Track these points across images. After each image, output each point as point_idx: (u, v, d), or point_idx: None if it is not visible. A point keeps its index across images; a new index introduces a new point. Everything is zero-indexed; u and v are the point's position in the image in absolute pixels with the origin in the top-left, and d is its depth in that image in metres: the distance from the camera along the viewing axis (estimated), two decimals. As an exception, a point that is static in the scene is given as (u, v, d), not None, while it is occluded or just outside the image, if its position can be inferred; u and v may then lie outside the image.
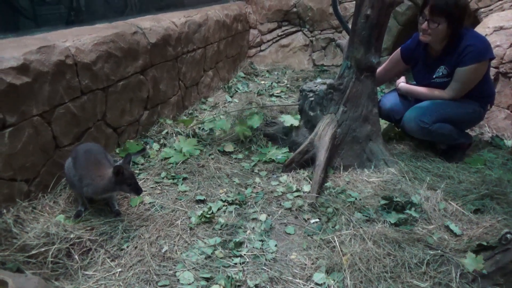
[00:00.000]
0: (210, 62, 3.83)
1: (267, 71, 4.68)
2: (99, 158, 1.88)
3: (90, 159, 1.85)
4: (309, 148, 2.36)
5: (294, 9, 4.76)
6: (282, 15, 4.84)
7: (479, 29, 3.21)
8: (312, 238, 1.79)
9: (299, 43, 4.88)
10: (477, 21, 3.54)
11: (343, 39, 2.74)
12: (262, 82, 4.33)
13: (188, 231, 1.84)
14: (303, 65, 4.83)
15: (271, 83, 4.22)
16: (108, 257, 1.65)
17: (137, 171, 2.33)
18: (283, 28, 4.91)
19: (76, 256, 1.61)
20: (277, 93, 3.93)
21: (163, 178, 2.28)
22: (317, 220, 1.91)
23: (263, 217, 1.93)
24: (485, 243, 1.56)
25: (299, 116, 2.63)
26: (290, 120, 2.60)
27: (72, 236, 1.64)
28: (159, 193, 2.14)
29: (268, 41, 4.95)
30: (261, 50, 5.00)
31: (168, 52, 3.00)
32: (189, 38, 3.34)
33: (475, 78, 2.29)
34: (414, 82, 2.66)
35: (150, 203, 2.03)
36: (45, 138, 1.92)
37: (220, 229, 1.84)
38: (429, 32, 2.28)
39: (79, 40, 2.15)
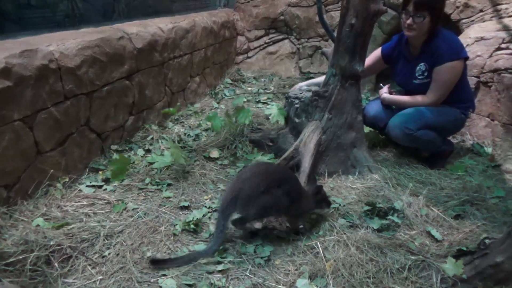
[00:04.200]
0: (197, 68, 3.83)
1: (254, 78, 4.70)
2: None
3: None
4: (294, 155, 2.37)
5: (282, 17, 4.81)
6: (269, 22, 4.88)
7: (461, 39, 3.29)
8: (296, 244, 1.80)
9: (286, 50, 4.92)
10: (459, 32, 3.63)
11: (329, 47, 2.78)
12: (249, 88, 4.34)
13: (172, 237, 1.82)
14: (290, 72, 4.87)
15: (258, 90, 4.24)
16: (89, 265, 1.62)
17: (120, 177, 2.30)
18: (271, 36, 4.95)
19: (56, 264, 1.57)
20: (264, 99, 3.95)
21: (147, 184, 2.26)
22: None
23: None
24: (464, 248, 1.58)
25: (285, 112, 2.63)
26: (276, 114, 2.58)
27: (52, 243, 1.61)
28: (143, 199, 2.12)
29: (255, 48, 4.98)
30: (248, 57, 5.02)
31: (154, 57, 2.99)
32: (176, 44, 3.34)
33: (452, 77, 2.37)
34: (399, 88, 2.72)
35: (133, 209, 2.01)
36: (26, 143, 1.89)
37: (205, 236, 1.83)
38: (414, 27, 2.35)
39: (63, 44, 2.13)
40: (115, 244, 1.74)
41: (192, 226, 1.87)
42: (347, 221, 1.93)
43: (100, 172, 2.29)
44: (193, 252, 1.70)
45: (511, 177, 2.42)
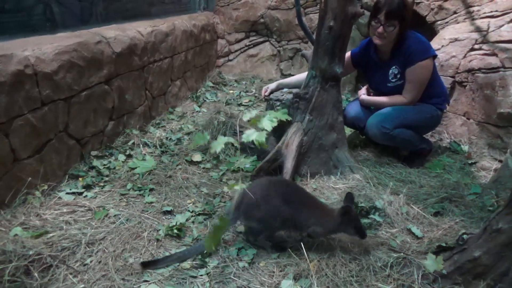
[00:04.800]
0: (178, 72, 3.81)
1: (236, 80, 4.71)
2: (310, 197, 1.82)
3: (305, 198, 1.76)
4: (277, 157, 2.38)
5: (262, 20, 4.83)
6: (249, 25, 4.90)
7: (436, 41, 3.38)
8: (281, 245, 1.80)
9: (267, 53, 4.95)
10: (434, 33, 3.72)
11: (309, 50, 2.80)
12: (231, 91, 4.35)
13: (155, 243, 1.80)
14: (271, 74, 4.89)
15: (240, 93, 4.25)
16: (70, 273, 1.59)
17: (101, 184, 2.27)
18: (251, 38, 4.97)
19: (36, 274, 1.54)
20: (246, 102, 3.96)
21: (129, 189, 2.23)
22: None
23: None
24: (444, 244, 1.62)
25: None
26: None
27: (31, 252, 1.57)
28: (125, 205, 2.09)
29: (236, 51, 4.99)
30: (229, 60, 5.03)
31: (134, 61, 2.96)
32: (156, 48, 3.31)
33: (425, 75, 2.46)
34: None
35: (115, 215, 1.98)
36: (2, 151, 1.84)
37: (189, 240, 1.82)
38: (385, 35, 2.41)
39: (39, 49, 2.09)
40: (97, 252, 1.71)
41: (175, 230, 1.85)
42: (330, 221, 1.95)
43: (80, 179, 2.25)
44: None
45: (487, 173, 2.50)
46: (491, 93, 2.68)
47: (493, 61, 2.75)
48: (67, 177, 2.26)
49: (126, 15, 3.54)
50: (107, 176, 2.36)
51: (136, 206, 2.09)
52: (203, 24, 4.47)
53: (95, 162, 2.42)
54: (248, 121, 2.37)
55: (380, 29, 2.39)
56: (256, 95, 4.18)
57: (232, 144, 2.72)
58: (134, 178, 2.35)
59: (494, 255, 1.41)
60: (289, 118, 2.37)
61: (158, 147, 2.77)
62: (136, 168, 2.43)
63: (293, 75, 4.75)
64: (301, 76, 2.68)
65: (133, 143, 2.75)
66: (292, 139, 2.37)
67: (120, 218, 1.96)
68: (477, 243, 1.46)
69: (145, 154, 2.64)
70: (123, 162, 2.52)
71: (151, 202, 2.12)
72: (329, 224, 1.70)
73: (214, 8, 5.00)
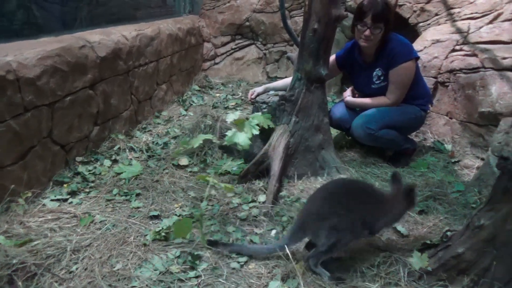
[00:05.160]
0: (164, 76, 3.80)
1: (222, 84, 4.71)
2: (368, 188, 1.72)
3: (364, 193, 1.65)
4: (263, 159, 2.39)
5: (247, 23, 4.85)
6: (235, 28, 4.91)
7: (419, 42, 3.44)
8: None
9: (253, 56, 4.96)
10: (417, 35, 3.79)
11: (294, 52, 2.83)
12: (217, 95, 4.34)
13: (142, 248, 1.79)
14: (258, 77, 4.91)
15: (226, 96, 4.25)
16: (56, 281, 1.56)
17: (87, 190, 2.24)
18: (237, 42, 4.98)
19: (20, 283, 1.51)
20: (232, 105, 3.96)
21: (115, 195, 2.21)
22: (275, 230, 1.93)
23: (230, 228, 1.93)
24: (429, 242, 1.65)
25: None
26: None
27: (14, 261, 1.54)
28: (111, 211, 2.07)
29: (222, 54, 4.99)
30: (215, 63, 5.03)
31: (119, 66, 2.94)
32: (141, 52, 3.29)
33: (408, 76, 2.50)
34: None
35: (101, 221, 1.96)
36: (-17, 158, 1.80)
37: (177, 244, 1.81)
38: (371, 38, 2.45)
39: (21, 54, 2.06)
40: (83, 259, 1.69)
41: (163, 234, 1.84)
42: (317, 222, 1.96)
43: (65, 185, 2.23)
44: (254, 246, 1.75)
45: (470, 171, 2.55)
46: (472, 93, 2.74)
47: (474, 61, 2.81)
48: (51, 184, 2.23)
49: (110, 19, 3.52)
50: (92, 182, 2.33)
51: (123, 211, 2.07)
52: (188, 27, 4.47)
53: (80, 168, 2.39)
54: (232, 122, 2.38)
55: (367, 32, 2.43)
56: (242, 98, 4.19)
57: (219, 147, 2.72)
58: (120, 183, 2.33)
59: (477, 251, 1.44)
60: (272, 126, 2.38)
61: (144, 151, 2.75)
62: (122, 173, 2.41)
63: (279, 78, 4.80)
64: (288, 79, 2.70)
65: (119, 148, 2.73)
66: (279, 141, 2.38)
67: (106, 224, 1.94)
68: (460, 239, 1.49)
69: (131, 159, 2.62)
70: (108, 167, 2.49)
71: (138, 207, 2.11)
72: (396, 211, 1.64)
73: (199, 11, 5.00)
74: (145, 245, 1.80)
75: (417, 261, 1.57)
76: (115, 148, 2.72)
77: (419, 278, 1.55)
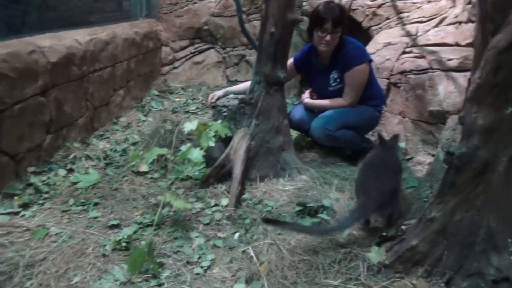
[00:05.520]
0: (121, 81, 3.70)
1: (182, 88, 4.66)
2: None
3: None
4: (225, 162, 2.39)
5: (206, 27, 4.83)
6: (193, 32, 4.88)
7: (372, 45, 3.58)
8: (232, 250, 1.81)
9: (213, 60, 4.95)
10: (369, 38, 3.94)
11: (253, 55, 2.85)
12: (177, 99, 4.29)
13: (102, 258, 1.73)
14: (218, 81, 4.90)
15: (186, 100, 4.21)
16: (8, 299, 1.48)
17: (40, 201, 2.14)
18: (196, 46, 4.95)
19: (-33, 303, 1.42)
20: (193, 109, 3.93)
21: (71, 205, 2.12)
22: (238, 233, 1.93)
23: (193, 234, 1.91)
24: (385, 234, 1.72)
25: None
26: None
27: (-40, 280, 1.45)
28: (67, 222, 1.99)
29: (181, 58, 4.94)
30: (174, 68, 4.96)
31: (72, 71, 2.83)
32: (96, 57, 3.20)
33: (362, 78, 2.60)
34: None
35: (56, 233, 1.88)
36: None
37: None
38: (331, 42, 2.52)
39: (-38, 60, 1.94)
40: (38, 274, 1.61)
41: (123, 244, 1.79)
42: (280, 222, 1.99)
43: (16, 198, 2.11)
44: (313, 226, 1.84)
45: (422, 167, 2.68)
46: (422, 93, 2.89)
47: (422, 63, 2.97)
48: (1, 197, 2.11)
49: (62, 24, 3.38)
50: (46, 192, 2.23)
51: (80, 222, 1.99)
52: (145, 31, 4.39)
53: (33, 179, 2.28)
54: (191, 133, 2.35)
55: (328, 38, 2.50)
56: (203, 102, 4.17)
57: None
58: (77, 193, 2.24)
59: (429, 242, 1.52)
60: (230, 134, 2.39)
61: (102, 159, 2.67)
62: (78, 182, 2.32)
63: (239, 81, 4.82)
64: (248, 83, 2.72)
65: (75, 157, 2.63)
66: (240, 144, 2.39)
67: (62, 236, 1.86)
68: (414, 232, 1.57)
69: (88, 168, 2.53)
70: (64, 177, 2.39)
71: (96, 217, 2.04)
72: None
73: (156, 15, 4.92)
74: (104, 255, 1.74)
75: (375, 255, 1.63)
76: (70, 157, 2.62)
77: (378, 272, 1.61)
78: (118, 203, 2.17)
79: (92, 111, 3.15)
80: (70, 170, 2.48)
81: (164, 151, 2.20)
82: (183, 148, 2.28)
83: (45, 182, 2.30)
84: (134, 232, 1.90)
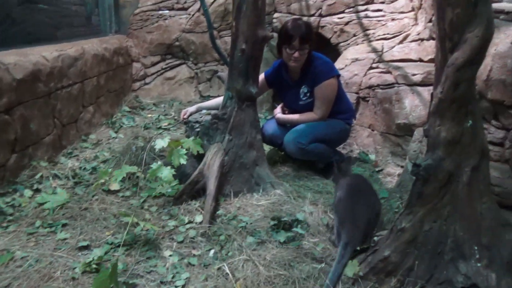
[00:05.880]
0: (90, 97, 3.63)
1: (154, 104, 4.61)
2: None
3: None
4: (199, 179, 2.37)
5: (177, 43, 4.83)
6: (165, 48, 4.87)
7: (340, 61, 3.69)
8: (207, 268, 1.78)
9: (184, 75, 4.94)
10: (338, 54, 4.06)
11: (225, 71, 2.88)
12: (149, 115, 4.24)
13: (71, 282, 1.66)
14: (190, 96, 4.89)
15: (158, 116, 4.17)
16: (-32, 330, 1.40)
17: (4, 224, 2.04)
18: (167, 61, 4.93)
19: None
20: (165, 125, 3.90)
21: (38, 227, 2.04)
22: (213, 250, 1.91)
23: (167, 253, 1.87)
24: (358, 248, 1.74)
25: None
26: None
27: None
28: (33, 245, 1.91)
29: (153, 74, 4.91)
30: (146, 83, 4.92)
31: (39, 88, 2.76)
32: (64, 73, 3.12)
33: (331, 92, 2.67)
34: None
35: (22, 257, 1.79)
36: None
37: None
38: (300, 59, 2.59)
39: None
40: (1, 301, 1.53)
41: (93, 266, 1.73)
42: (255, 238, 1.98)
43: (-22, 221, 2.01)
44: None
45: (392, 179, 2.76)
46: (389, 107, 2.99)
47: (389, 78, 3.09)
48: (-39, 221, 2.00)
49: (28, 40, 3.29)
50: (11, 215, 2.13)
51: (47, 244, 1.91)
52: (115, 47, 4.34)
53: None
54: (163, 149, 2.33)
55: (297, 54, 2.57)
56: (175, 118, 4.14)
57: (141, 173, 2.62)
58: (44, 214, 2.16)
59: (401, 252, 1.56)
60: (202, 151, 2.39)
61: (70, 178, 2.59)
62: (45, 203, 2.23)
63: (212, 97, 4.83)
64: (220, 98, 2.73)
65: (41, 176, 2.53)
66: (213, 160, 2.38)
67: (28, 260, 1.77)
68: (386, 243, 1.60)
69: (55, 187, 2.44)
70: (30, 198, 2.30)
71: (65, 239, 1.96)
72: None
73: (126, 31, 4.89)
74: (74, 278, 1.68)
75: (349, 268, 1.65)
76: (36, 177, 2.52)
77: (353, 284, 1.63)
78: (88, 223, 2.10)
79: (60, 128, 3.07)
80: (37, 190, 2.39)
81: (134, 169, 2.16)
82: (154, 165, 2.26)
83: (9, 204, 2.21)
84: (105, 253, 1.84)
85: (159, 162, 2.25)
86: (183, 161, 2.30)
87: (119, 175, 2.08)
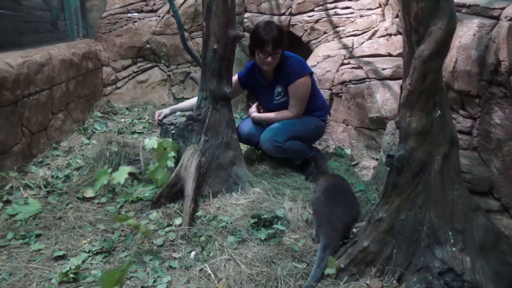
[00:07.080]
0: (60, 104, 3.52)
1: (127, 108, 4.53)
2: None
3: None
4: (176, 181, 2.34)
5: (148, 45, 4.76)
6: (135, 51, 4.78)
7: (312, 58, 3.74)
8: (189, 270, 1.77)
9: (157, 78, 4.88)
10: (310, 51, 4.11)
11: (198, 72, 2.85)
12: (122, 120, 4.16)
13: (48, 294, 1.61)
14: (164, 99, 4.83)
15: (132, 120, 4.10)
16: None
17: (-27, 238, 1.96)
18: (139, 65, 4.85)
19: None
20: (139, 129, 3.83)
21: (10, 239, 1.96)
22: (194, 251, 1.90)
23: (146, 257, 1.84)
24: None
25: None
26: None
27: None
28: (6, 258, 1.83)
29: (124, 78, 4.82)
30: (117, 88, 4.82)
31: (4, 96, 2.65)
32: (30, 80, 3.02)
33: (305, 90, 2.70)
34: None
35: (-6, 272, 1.72)
36: None
37: (88, 283, 1.67)
38: (273, 62, 2.59)
39: None
40: (-27, 319, 1.46)
41: (71, 275, 1.69)
42: (236, 237, 1.98)
43: None
44: None
45: (368, 172, 2.82)
46: (362, 101, 3.05)
47: (360, 73, 3.14)
48: None
49: (-10, 46, 3.17)
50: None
51: (21, 256, 1.85)
52: (84, 52, 4.23)
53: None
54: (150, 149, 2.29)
55: (269, 59, 2.58)
56: (150, 121, 4.08)
57: (129, 174, 2.59)
58: (16, 225, 2.08)
59: (379, 242, 1.59)
60: (175, 155, 2.38)
61: (42, 187, 2.50)
62: (17, 214, 2.16)
63: (186, 98, 4.78)
64: (194, 99, 2.71)
65: (11, 187, 2.44)
66: (190, 161, 2.36)
67: (1, 274, 1.71)
68: (364, 234, 1.63)
69: (27, 198, 2.36)
70: (0, 209, 2.21)
71: (39, 250, 1.90)
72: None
73: (95, 35, 4.78)
74: (50, 290, 1.63)
75: (329, 267, 1.67)
76: (6, 188, 2.42)
77: (336, 277, 1.65)
78: (63, 232, 2.04)
79: (29, 137, 2.96)
80: (7, 202, 2.30)
81: (134, 169, 2.12)
82: (151, 166, 2.21)
83: (-22, 217, 2.11)
84: (83, 262, 1.80)
85: (156, 163, 2.21)
86: (171, 163, 2.27)
87: (121, 177, 2.00)
